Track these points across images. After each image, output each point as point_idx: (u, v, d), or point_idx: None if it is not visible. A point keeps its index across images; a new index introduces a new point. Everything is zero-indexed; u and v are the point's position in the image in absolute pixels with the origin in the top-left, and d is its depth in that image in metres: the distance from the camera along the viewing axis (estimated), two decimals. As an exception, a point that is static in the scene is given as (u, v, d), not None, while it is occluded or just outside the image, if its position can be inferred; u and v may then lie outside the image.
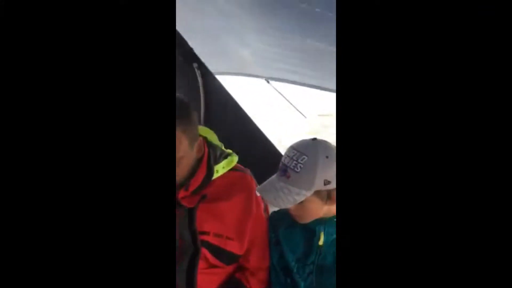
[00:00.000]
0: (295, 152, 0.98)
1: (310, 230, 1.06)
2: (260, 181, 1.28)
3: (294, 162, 0.97)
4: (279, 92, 2.16)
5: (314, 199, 0.99)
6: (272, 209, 1.20)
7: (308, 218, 1.04)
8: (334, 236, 1.04)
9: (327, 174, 0.96)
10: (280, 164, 1.01)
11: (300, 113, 3.34)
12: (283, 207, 1.00)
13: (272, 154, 1.71)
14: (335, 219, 1.03)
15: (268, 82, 1.87)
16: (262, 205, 1.15)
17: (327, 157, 0.97)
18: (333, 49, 0.88)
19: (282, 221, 1.12)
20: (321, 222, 1.04)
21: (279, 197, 0.97)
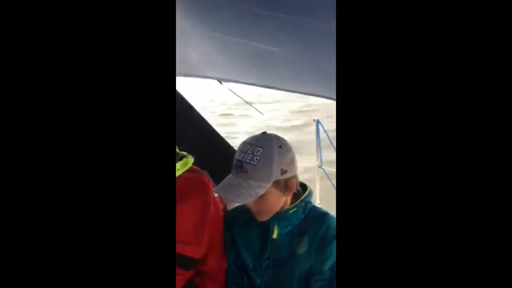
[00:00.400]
0: (249, 146, 0.99)
1: (265, 225, 1.07)
2: (218, 182, 1.28)
3: (250, 155, 0.97)
4: (234, 93, 2.17)
5: (273, 191, 1.00)
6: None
7: (269, 213, 1.05)
8: (288, 228, 1.06)
9: (283, 163, 0.99)
10: (235, 161, 1.01)
11: (258, 111, 3.36)
12: (246, 202, 1.00)
13: (229, 154, 1.72)
14: (289, 211, 1.05)
15: (221, 83, 1.87)
16: (221, 206, 1.14)
17: (280, 147, 0.99)
18: (276, 49, 0.90)
19: (236, 219, 1.12)
20: (275, 215, 1.05)
21: (241, 193, 0.96)
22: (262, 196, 0.98)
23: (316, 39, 0.84)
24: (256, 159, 0.96)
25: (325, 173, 3.44)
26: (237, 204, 1.15)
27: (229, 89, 1.94)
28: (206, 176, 1.13)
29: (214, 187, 1.19)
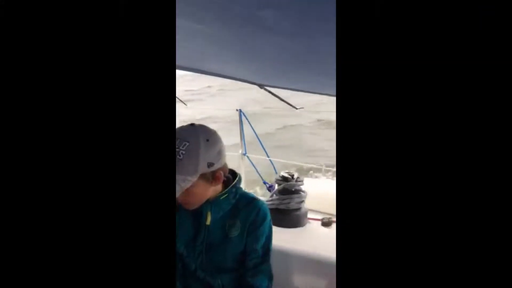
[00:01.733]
0: (177, 139, 0.97)
1: (197, 212, 1.10)
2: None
3: (176, 149, 0.96)
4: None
5: (200, 183, 1.00)
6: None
7: (197, 203, 1.07)
8: (221, 213, 1.11)
9: (210, 157, 0.99)
10: None
11: (182, 102, 3.39)
12: None
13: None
14: (220, 198, 1.10)
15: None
16: None
17: (207, 140, 0.99)
18: (200, 27, 0.95)
19: None
20: (207, 202, 1.09)
21: None
22: (188, 188, 0.98)
23: (237, 22, 0.90)
24: (182, 153, 0.95)
25: (249, 159, 3.62)
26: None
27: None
28: None
29: None
